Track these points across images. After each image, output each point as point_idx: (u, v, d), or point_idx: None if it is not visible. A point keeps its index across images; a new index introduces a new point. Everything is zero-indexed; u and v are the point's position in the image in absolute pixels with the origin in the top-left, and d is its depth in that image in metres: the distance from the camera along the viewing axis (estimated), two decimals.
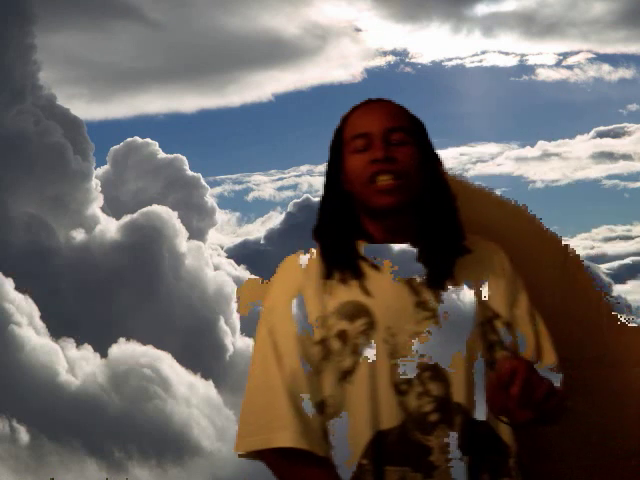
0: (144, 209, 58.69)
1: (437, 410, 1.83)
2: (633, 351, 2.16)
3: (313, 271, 1.94)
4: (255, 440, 1.86)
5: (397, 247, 1.97)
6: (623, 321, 2.15)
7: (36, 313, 47.57)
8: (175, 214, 58.61)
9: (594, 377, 2.13)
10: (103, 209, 61.39)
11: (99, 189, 60.63)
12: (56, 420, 42.21)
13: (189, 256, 59.02)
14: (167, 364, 47.35)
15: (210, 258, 61.45)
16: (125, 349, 47.90)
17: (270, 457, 1.87)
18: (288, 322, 1.90)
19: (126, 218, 58.88)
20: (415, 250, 1.94)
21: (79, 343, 48.88)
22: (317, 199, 2.04)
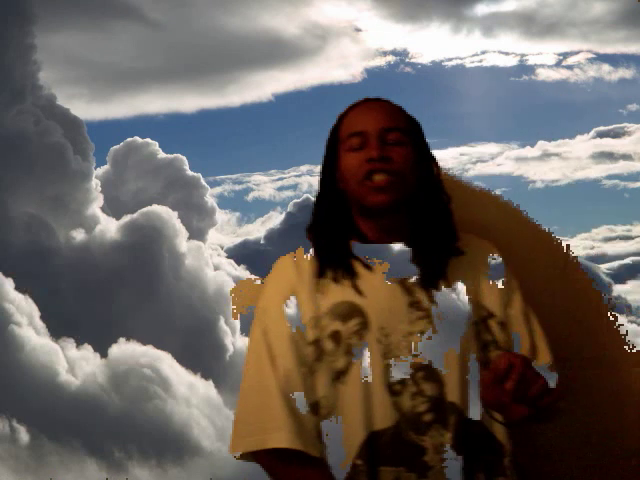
0: (144, 209, 58.70)
1: (431, 410, 1.83)
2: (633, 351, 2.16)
3: (306, 270, 1.94)
4: (250, 441, 1.86)
5: (392, 247, 1.97)
6: (620, 324, 2.15)
7: (36, 313, 47.57)
8: (175, 214, 58.63)
9: (594, 377, 2.13)
10: (103, 209, 61.41)
11: (99, 189, 60.65)
12: (56, 420, 42.20)
13: (189, 256, 59.03)
14: (167, 364, 47.35)
15: (210, 258, 61.47)
16: (125, 349, 47.91)
17: (265, 458, 1.87)
18: (282, 323, 1.90)
19: (126, 218, 58.90)
20: (408, 250, 1.94)
21: (79, 343, 48.90)
22: None
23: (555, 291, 2.15)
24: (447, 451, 1.82)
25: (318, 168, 2.05)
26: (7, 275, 46.23)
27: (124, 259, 56.84)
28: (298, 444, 1.82)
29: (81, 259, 57.26)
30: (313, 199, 2.05)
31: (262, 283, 2.01)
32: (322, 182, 2.01)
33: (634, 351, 2.13)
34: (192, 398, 46.90)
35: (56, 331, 48.00)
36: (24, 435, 39.92)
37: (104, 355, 47.90)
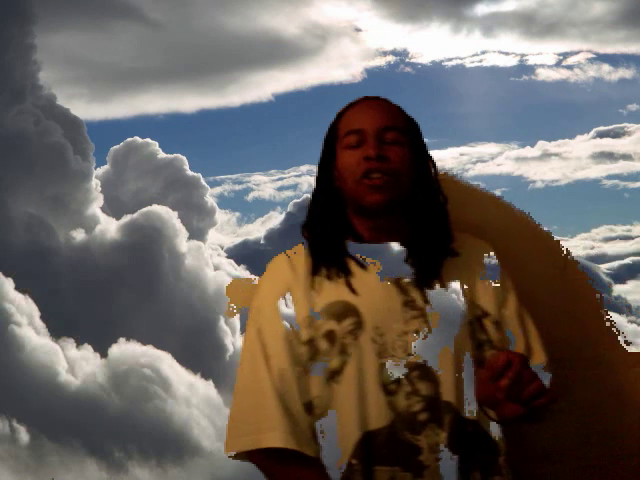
0: (144, 209, 58.70)
1: (426, 409, 1.82)
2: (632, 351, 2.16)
3: (301, 269, 1.94)
4: (244, 441, 1.85)
5: (387, 247, 1.96)
6: (614, 324, 2.15)
7: (36, 313, 47.57)
8: (175, 214, 58.63)
9: (593, 377, 2.13)
10: (103, 209, 61.42)
11: (99, 189, 60.65)
12: (56, 420, 42.19)
13: (189, 256, 59.02)
14: (167, 364, 47.35)
15: (210, 258, 61.47)
16: (125, 349, 47.90)
17: (260, 458, 1.86)
18: (276, 322, 1.90)
19: (126, 218, 58.90)
20: (403, 250, 1.94)
21: (79, 343, 48.90)
22: None
23: (555, 291, 2.15)
24: (442, 450, 1.82)
25: None
26: (7, 275, 46.25)
27: (124, 259, 56.84)
28: (293, 444, 1.81)
29: (81, 259, 57.26)
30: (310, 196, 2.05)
31: (256, 282, 2.01)
32: (319, 179, 2.01)
33: (630, 351, 2.13)
34: (192, 398, 46.91)
35: (56, 331, 48.03)
36: (24, 435, 39.94)
37: (104, 355, 47.94)
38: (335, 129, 1.99)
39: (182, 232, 58.79)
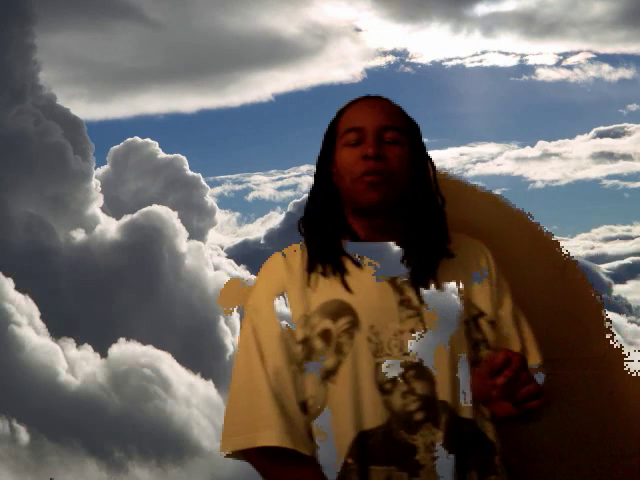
0: (144, 209, 58.72)
1: (422, 409, 1.82)
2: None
3: (297, 267, 1.93)
4: (240, 440, 1.85)
5: (383, 246, 1.95)
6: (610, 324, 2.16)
7: (36, 313, 47.59)
8: (175, 214, 58.66)
9: (593, 377, 2.13)
10: (103, 209, 61.43)
11: (99, 189, 60.68)
12: (56, 420, 42.20)
13: (189, 256, 59.04)
14: (167, 364, 47.38)
15: (210, 258, 61.49)
16: (125, 349, 47.92)
17: (255, 457, 1.86)
18: (272, 321, 1.90)
19: (126, 218, 58.92)
20: (399, 249, 1.93)
21: (79, 343, 48.92)
22: None
23: (554, 291, 2.15)
24: (438, 450, 1.81)
25: None
26: (7, 275, 46.27)
27: (124, 259, 56.85)
28: (288, 442, 1.81)
29: (81, 259, 57.27)
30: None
31: (249, 281, 2.02)
32: (317, 176, 2.01)
33: (623, 351, 2.13)
34: (192, 398, 46.93)
35: (56, 331, 48.04)
36: (24, 435, 39.95)
37: (104, 355, 47.96)
38: (335, 126, 1.99)
39: (182, 232, 58.84)
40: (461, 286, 1.92)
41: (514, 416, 1.80)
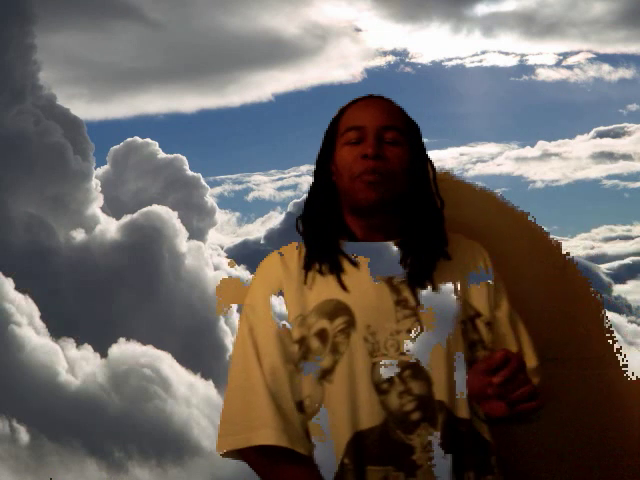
0: (144, 209, 58.69)
1: (419, 409, 1.82)
2: None
3: (293, 267, 1.94)
4: (236, 439, 1.85)
5: (380, 246, 1.94)
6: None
7: (36, 313, 47.56)
8: (175, 214, 58.63)
9: (594, 377, 2.14)
10: (103, 209, 61.41)
11: (99, 189, 60.65)
12: (56, 420, 42.18)
13: (189, 256, 59.01)
14: (167, 364, 47.35)
15: (210, 258, 61.44)
16: (125, 349, 47.89)
17: (252, 456, 1.86)
18: (268, 321, 1.90)
19: (126, 218, 58.89)
20: (396, 249, 1.93)
21: (79, 343, 48.89)
22: None
23: (554, 291, 2.15)
24: (435, 450, 1.81)
25: None
26: (7, 275, 46.24)
27: (124, 259, 56.84)
28: (285, 441, 1.81)
29: (81, 259, 57.26)
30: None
31: (243, 280, 2.02)
32: (316, 173, 2.01)
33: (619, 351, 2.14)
34: (192, 398, 46.90)
35: (56, 331, 48.01)
36: (24, 435, 39.92)
37: (104, 355, 47.92)
38: (336, 124, 2.00)
39: (182, 232, 58.82)
40: (458, 287, 1.92)
41: (507, 416, 1.79)
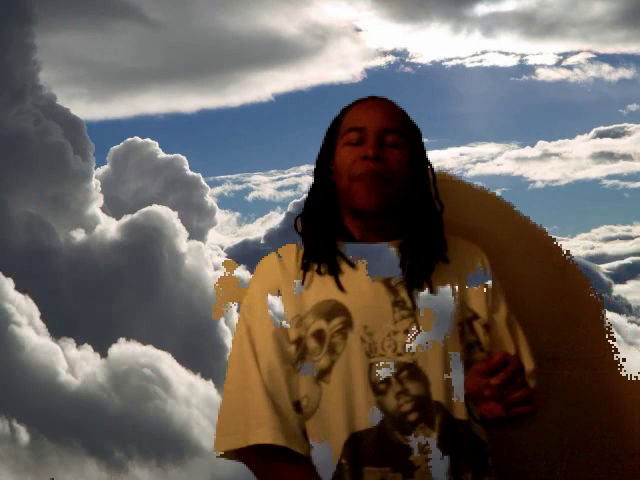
0: (144, 209, 58.72)
1: (416, 409, 1.81)
2: None
3: (291, 268, 1.93)
4: (233, 439, 1.85)
5: (378, 247, 1.94)
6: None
7: (36, 313, 47.59)
8: (175, 214, 58.68)
9: (594, 377, 2.14)
10: (103, 209, 61.45)
11: (99, 189, 60.70)
12: (56, 420, 42.19)
13: (189, 256, 59.04)
14: (167, 364, 47.37)
15: (210, 258, 61.46)
16: (125, 349, 47.92)
17: (249, 456, 1.85)
18: (266, 321, 1.90)
19: (126, 218, 58.93)
20: (394, 250, 1.93)
21: (79, 343, 48.92)
22: None
23: (554, 291, 2.15)
24: (433, 451, 1.80)
25: None
26: (7, 275, 46.27)
27: (124, 259, 56.87)
28: (282, 440, 1.80)
29: (81, 259, 57.28)
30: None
31: (241, 280, 2.02)
32: (316, 173, 2.00)
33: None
34: (192, 398, 46.93)
35: (56, 331, 48.05)
36: (24, 435, 39.94)
37: (104, 355, 47.95)
38: (338, 124, 1.99)
39: (182, 232, 58.86)
40: (456, 289, 1.91)
41: (501, 419, 1.79)
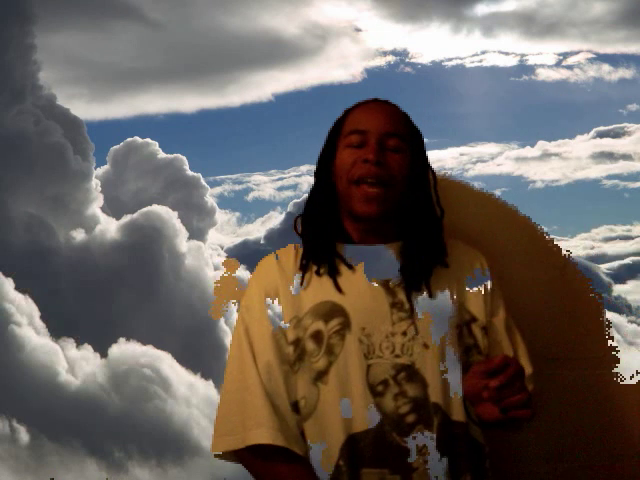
0: (144, 209, 58.74)
1: (414, 411, 1.81)
2: None
3: (290, 269, 1.93)
4: (231, 439, 1.84)
5: (377, 249, 1.93)
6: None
7: (36, 313, 47.60)
8: (175, 214, 58.70)
9: (594, 377, 2.14)
10: (103, 209, 61.46)
11: (99, 189, 60.71)
12: (56, 420, 42.20)
13: (189, 256, 59.05)
14: (167, 364, 47.38)
15: (210, 258, 61.47)
16: (125, 349, 47.93)
17: (247, 456, 1.85)
18: (264, 322, 1.89)
19: (126, 218, 58.94)
20: (392, 252, 1.92)
21: (79, 343, 48.94)
22: None
23: (554, 291, 2.15)
24: (431, 453, 1.80)
25: None
26: (7, 275, 46.27)
27: (124, 259, 56.87)
28: (281, 440, 1.80)
29: (81, 259, 57.28)
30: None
31: (241, 280, 2.02)
32: (317, 173, 2.00)
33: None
34: (192, 398, 46.92)
35: (56, 331, 48.05)
36: (24, 435, 39.94)
37: (104, 355, 47.96)
38: (340, 125, 1.99)
39: (182, 232, 58.87)
40: (454, 291, 1.90)
41: (498, 421, 1.78)
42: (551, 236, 2.19)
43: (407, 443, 1.80)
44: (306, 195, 2.03)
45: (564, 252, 2.17)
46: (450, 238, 1.97)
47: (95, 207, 60.12)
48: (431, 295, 1.87)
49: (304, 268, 1.92)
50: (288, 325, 1.88)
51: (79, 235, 58.44)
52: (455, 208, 2.04)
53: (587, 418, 2.12)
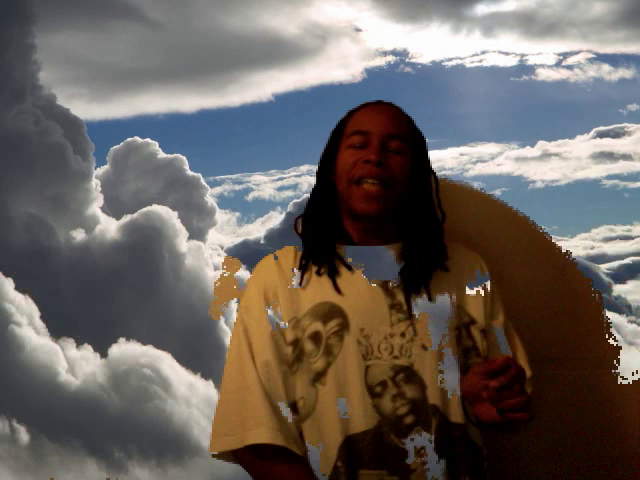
0: (144, 209, 58.75)
1: (412, 412, 1.80)
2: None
3: (288, 270, 1.93)
4: (230, 439, 1.84)
5: (376, 250, 1.93)
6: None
7: (36, 313, 47.61)
8: (175, 214, 58.72)
9: (594, 377, 2.14)
10: (103, 209, 61.48)
11: (99, 189, 60.74)
12: (56, 420, 42.20)
13: (189, 256, 59.07)
14: (167, 364, 47.39)
15: (210, 258, 61.48)
16: (125, 349, 47.93)
17: (246, 456, 1.85)
18: (263, 322, 1.89)
19: (126, 218, 58.96)
20: (392, 253, 1.92)
21: (79, 343, 48.95)
22: None
23: (554, 291, 2.16)
24: (429, 454, 1.79)
25: None
26: (7, 275, 46.28)
27: (124, 259, 56.89)
28: (281, 440, 1.80)
29: (81, 259, 57.29)
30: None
31: (240, 280, 2.02)
32: (319, 173, 2.00)
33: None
34: (192, 398, 46.93)
35: (56, 331, 48.06)
36: (24, 435, 39.94)
37: (104, 355, 47.97)
38: (343, 126, 1.99)
39: (182, 232, 58.89)
40: (454, 293, 1.90)
41: (495, 423, 1.78)
42: (551, 236, 2.19)
43: (405, 444, 1.79)
44: (306, 195, 2.03)
45: (564, 252, 2.17)
46: (450, 241, 1.97)
47: (95, 207, 60.19)
48: (430, 298, 1.87)
49: (303, 268, 1.91)
50: (287, 325, 1.88)
51: (79, 235, 58.50)
52: (455, 209, 2.04)
53: (587, 418, 2.12)
